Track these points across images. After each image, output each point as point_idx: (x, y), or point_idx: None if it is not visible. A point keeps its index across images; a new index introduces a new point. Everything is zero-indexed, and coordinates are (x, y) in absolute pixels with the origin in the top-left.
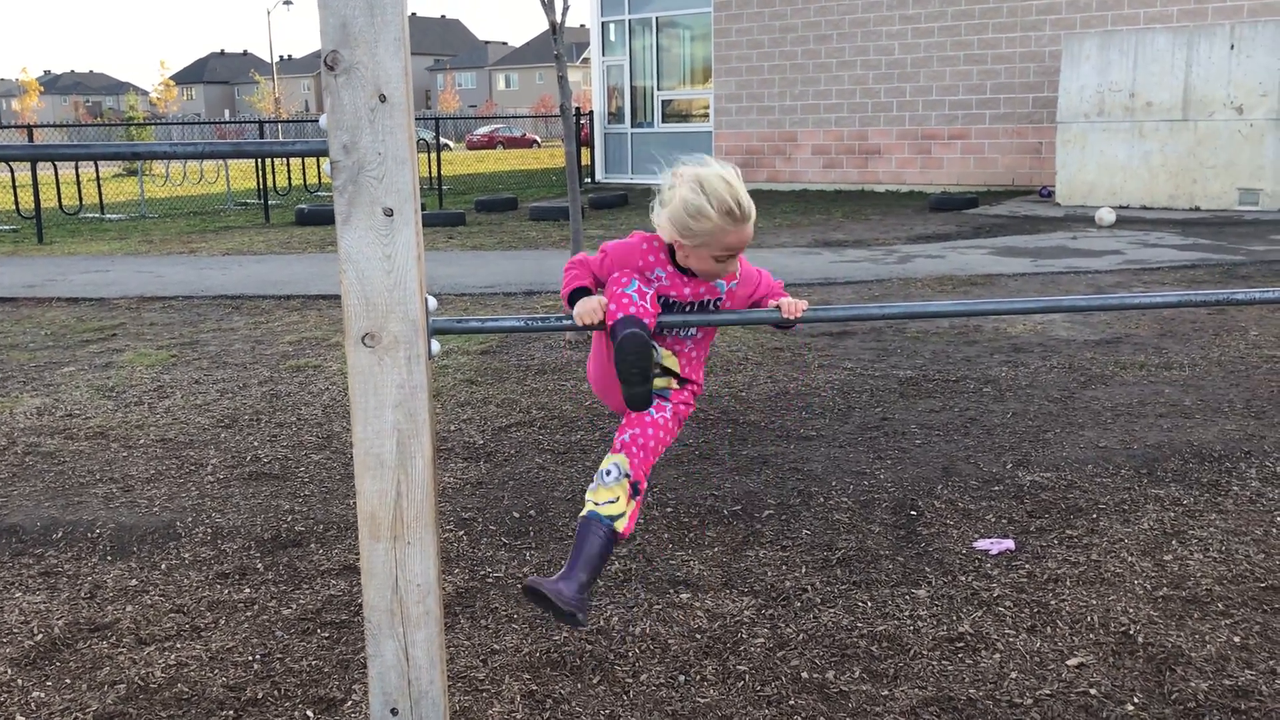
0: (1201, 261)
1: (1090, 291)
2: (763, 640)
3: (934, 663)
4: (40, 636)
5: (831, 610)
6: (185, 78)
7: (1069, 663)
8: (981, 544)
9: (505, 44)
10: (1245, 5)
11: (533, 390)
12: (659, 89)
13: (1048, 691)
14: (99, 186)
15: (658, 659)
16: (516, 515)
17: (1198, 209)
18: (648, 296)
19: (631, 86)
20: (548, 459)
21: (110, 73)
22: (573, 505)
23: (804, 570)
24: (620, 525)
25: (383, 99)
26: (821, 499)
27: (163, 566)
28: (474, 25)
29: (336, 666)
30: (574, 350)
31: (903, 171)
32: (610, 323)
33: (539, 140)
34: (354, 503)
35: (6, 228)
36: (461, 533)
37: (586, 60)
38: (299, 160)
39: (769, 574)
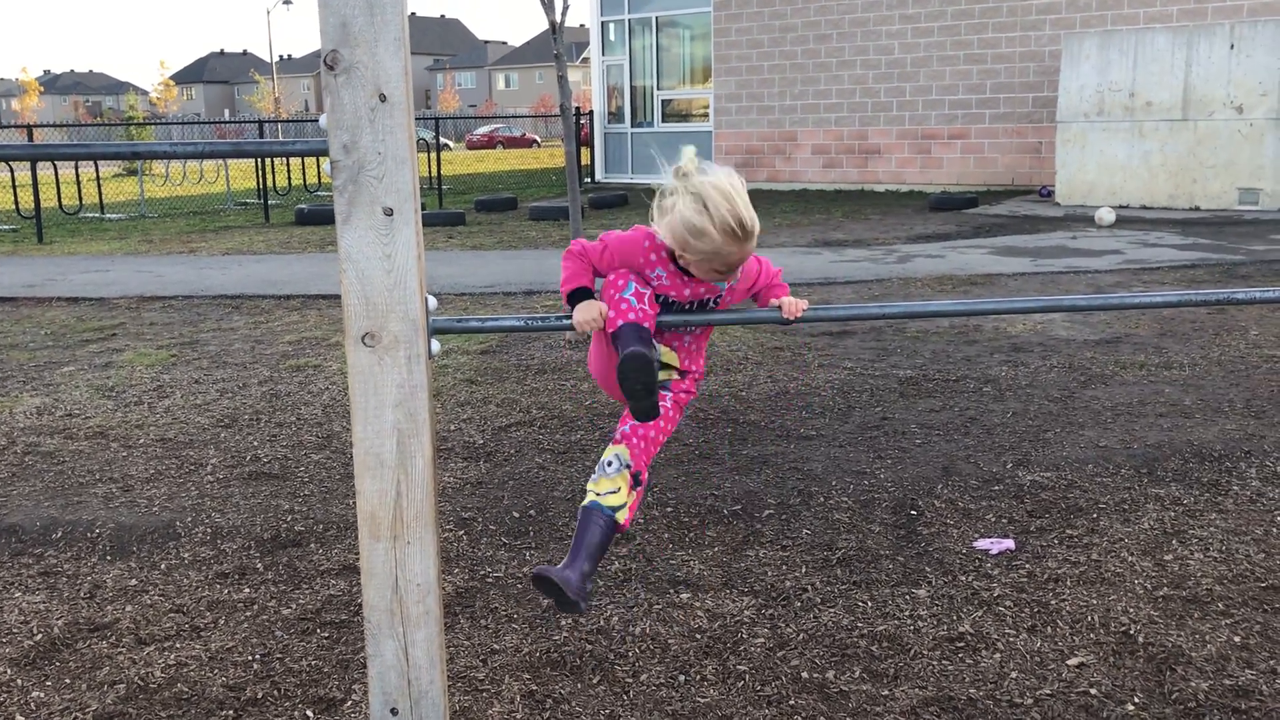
0: (1201, 261)
1: (1090, 291)
2: (763, 640)
3: (934, 662)
4: (40, 636)
5: (832, 610)
6: (185, 77)
7: (1069, 662)
8: (982, 544)
9: (505, 44)
10: (1245, 5)
11: (533, 390)
12: (659, 89)
13: (1048, 691)
14: (99, 186)
15: (658, 659)
16: (516, 515)
17: (1197, 209)
18: (645, 298)
19: (631, 86)
20: (548, 459)
21: (110, 72)
22: (573, 505)
23: (804, 570)
24: (621, 517)
25: (383, 98)
26: (821, 499)
27: (162, 566)
28: (474, 25)
29: (336, 666)
30: (574, 350)
31: (902, 171)
32: (611, 330)
33: (539, 140)
34: (354, 503)
35: (6, 227)
36: (461, 532)
37: (586, 60)
38: (299, 160)
39: (769, 574)
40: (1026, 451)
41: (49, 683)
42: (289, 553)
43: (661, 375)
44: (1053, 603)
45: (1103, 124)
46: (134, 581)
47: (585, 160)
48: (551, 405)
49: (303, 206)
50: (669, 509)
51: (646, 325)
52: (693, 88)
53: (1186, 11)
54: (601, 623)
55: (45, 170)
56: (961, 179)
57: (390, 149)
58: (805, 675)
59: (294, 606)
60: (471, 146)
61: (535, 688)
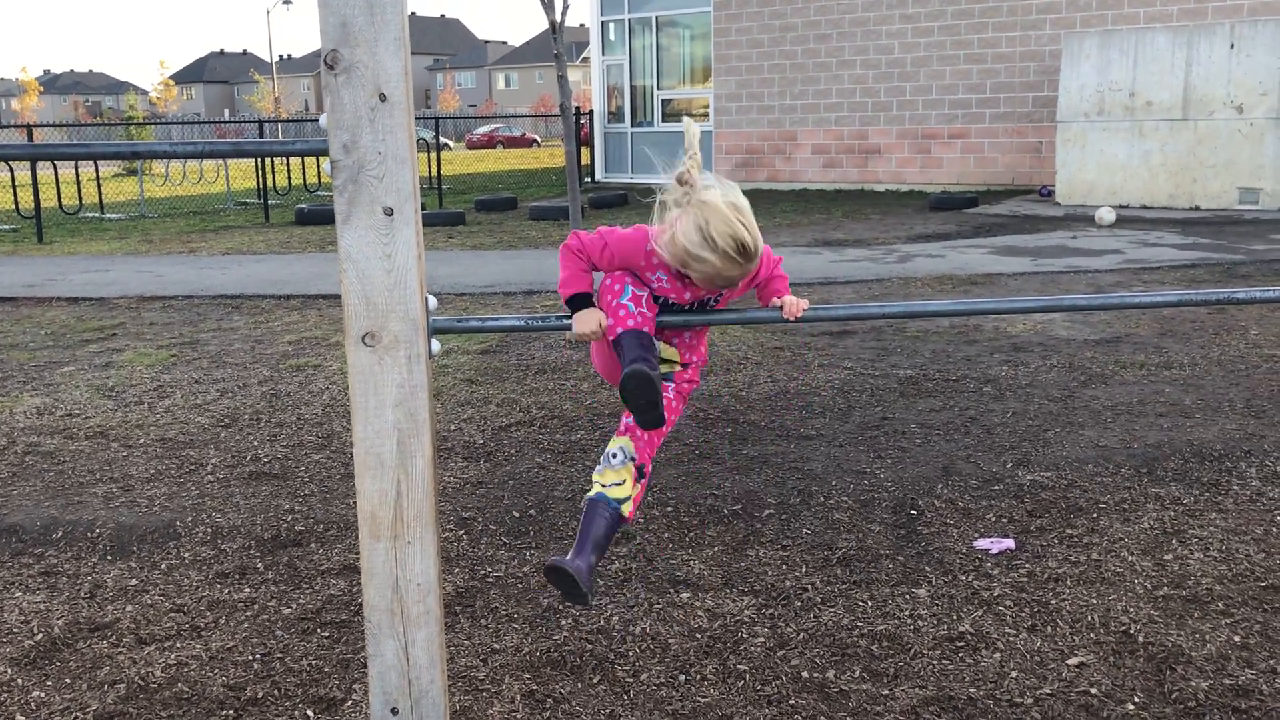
0: (1201, 261)
1: (1090, 291)
2: (763, 640)
3: (934, 662)
4: (40, 636)
5: (832, 610)
6: (185, 77)
7: (1069, 662)
8: (982, 543)
9: (505, 43)
10: (1245, 4)
11: (533, 390)
12: (659, 88)
13: (1048, 691)
14: (99, 186)
15: (658, 658)
16: (516, 515)
17: (1198, 208)
18: (643, 300)
19: (631, 86)
20: (548, 458)
21: (110, 72)
22: (573, 505)
23: (804, 570)
24: (626, 509)
25: (383, 98)
26: (821, 498)
27: (163, 566)
28: (474, 25)
29: (336, 666)
30: (574, 350)
31: (903, 171)
32: (611, 339)
33: (539, 140)
34: (354, 502)
35: (6, 227)
36: (461, 532)
37: (586, 60)
38: (299, 160)
39: (769, 573)
40: (1026, 451)
41: (49, 682)
42: (289, 552)
43: (663, 369)
44: (1053, 602)
45: (1103, 124)
46: (134, 581)
47: (585, 160)
48: (551, 405)
49: (303, 206)
50: (669, 509)
51: (646, 329)
52: (693, 87)
53: (1186, 11)
54: (602, 622)
55: (45, 170)
56: (961, 179)
57: (390, 148)
58: (805, 675)
59: (294, 606)
60: (471, 146)
61: (535, 687)
